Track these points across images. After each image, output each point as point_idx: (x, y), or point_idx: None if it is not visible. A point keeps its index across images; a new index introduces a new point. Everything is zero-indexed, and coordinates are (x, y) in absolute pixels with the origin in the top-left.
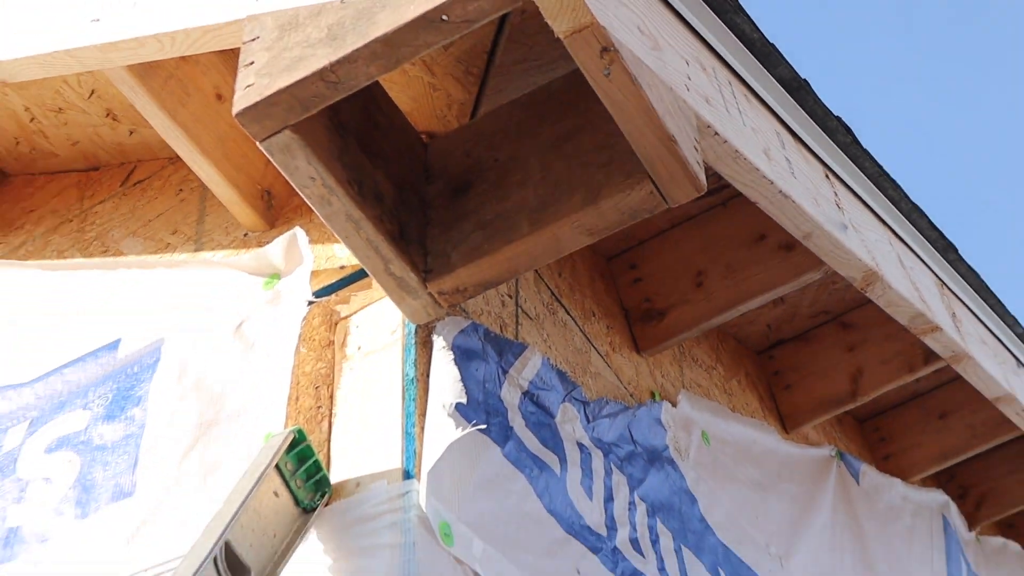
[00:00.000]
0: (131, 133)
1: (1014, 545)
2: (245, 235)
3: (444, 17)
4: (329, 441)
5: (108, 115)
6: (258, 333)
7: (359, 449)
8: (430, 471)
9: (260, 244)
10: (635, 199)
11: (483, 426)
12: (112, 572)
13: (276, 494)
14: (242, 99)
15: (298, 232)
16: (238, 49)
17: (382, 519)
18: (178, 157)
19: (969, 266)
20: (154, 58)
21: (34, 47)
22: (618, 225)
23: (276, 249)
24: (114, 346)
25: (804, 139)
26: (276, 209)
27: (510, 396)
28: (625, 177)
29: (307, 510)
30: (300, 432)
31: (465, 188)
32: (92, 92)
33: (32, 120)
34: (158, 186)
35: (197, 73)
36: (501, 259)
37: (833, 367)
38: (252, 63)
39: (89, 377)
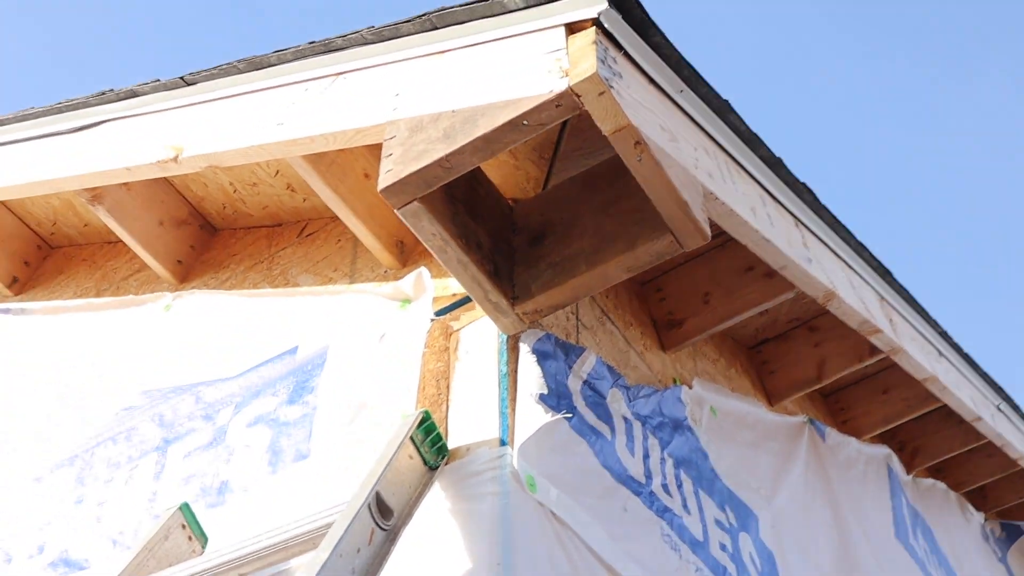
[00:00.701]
0: (304, 200)
1: (940, 484)
2: (385, 272)
3: (525, 122)
4: (446, 419)
5: (288, 187)
6: (395, 341)
7: (468, 425)
8: (521, 442)
9: (396, 279)
10: (660, 246)
11: (570, 415)
12: (294, 512)
13: (411, 457)
14: (384, 180)
15: (423, 271)
16: (380, 144)
17: (485, 475)
18: (337, 217)
19: (901, 285)
20: (321, 150)
21: (237, 143)
22: (649, 264)
23: (407, 282)
24: (293, 351)
25: (779, 199)
26: (407, 253)
27: (574, 384)
28: (653, 231)
29: (432, 468)
30: (427, 412)
31: (540, 239)
32: (277, 172)
33: (235, 191)
34: (323, 237)
35: (351, 159)
36: (566, 289)
37: (804, 358)
38: (391, 155)
39: (276, 373)
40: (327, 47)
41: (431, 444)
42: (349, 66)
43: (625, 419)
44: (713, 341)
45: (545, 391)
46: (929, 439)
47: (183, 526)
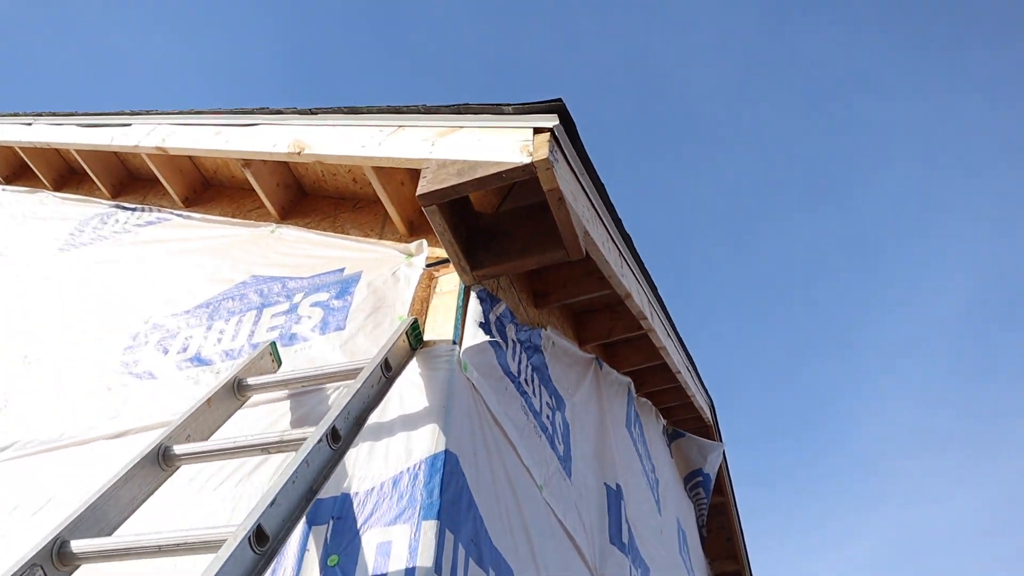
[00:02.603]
0: (360, 188)
1: (648, 402)
2: (399, 237)
3: (503, 175)
4: (424, 323)
5: (354, 181)
6: (401, 276)
7: (436, 329)
8: (465, 347)
9: (406, 243)
10: (557, 255)
11: (491, 338)
12: (333, 358)
13: (404, 340)
14: (421, 189)
15: (423, 242)
16: (417, 169)
17: (442, 358)
18: (379, 201)
19: (660, 296)
20: (384, 166)
21: (336, 152)
22: (547, 263)
23: (413, 246)
24: (341, 271)
25: (615, 240)
26: (414, 230)
27: (492, 318)
28: (554, 246)
29: (413, 349)
30: (415, 319)
31: (492, 237)
32: (349, 170)
33: (322, 176)
34: (367, 211)
35: (395, 173)
36: (501, 268)
37: (603, 325)
38: (426, 178)
39: (330, 280)
40: (396, 110)
41: (415, 336)
42: (407, 122)
43: (513, 341)
44: (560, 309)
45: (481, 320)
46: (652, 378)
47: (270, 354)
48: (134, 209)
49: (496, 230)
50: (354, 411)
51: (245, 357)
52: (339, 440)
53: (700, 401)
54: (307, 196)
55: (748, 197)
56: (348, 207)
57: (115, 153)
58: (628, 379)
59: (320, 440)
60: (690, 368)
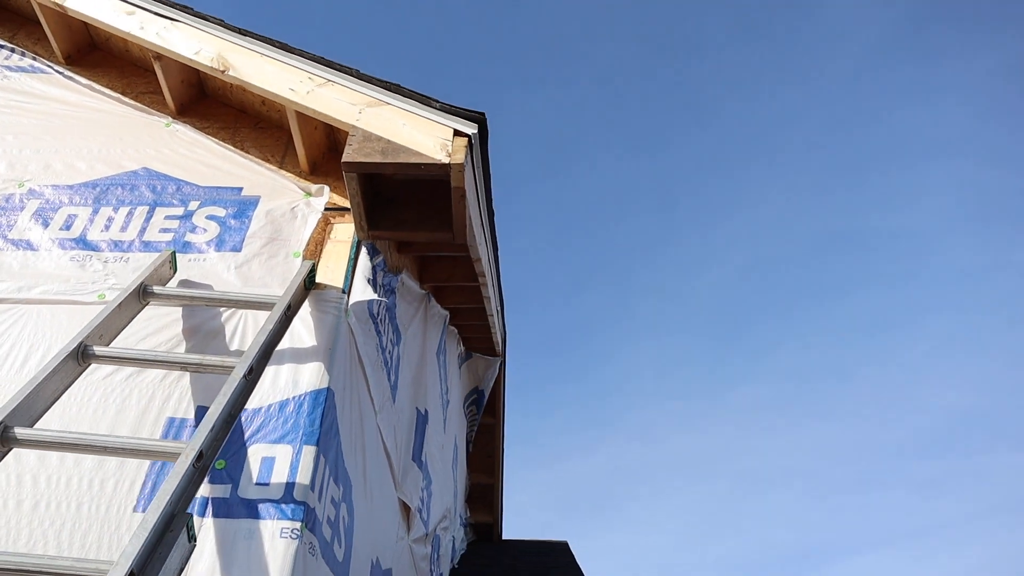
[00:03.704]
0: (267, 111)
1: (455, 329)
2: (300, 172)
3: (422, 166)
4: (318, 266)
5: (263, 103)
6: (299, 213)
7: (329, 274)
8: (354, 300)
9: (304, 179)
10: (446, 236)
11: (380, 299)
12: (226, 278)
13: (303, 283)
14: (346, 156)
15: (326, 188)
16: (332, 125)
17: (331, 302)
18: (281, 126)
19: (499, 263)
20: (306, 113)
21: (262, 83)
22: (434, 239)
23: (314, 187)
24: (239, 190)
25: (486, 231)
26: (316, 170)
27: (375, 262)
28: (445, 226)
29: (308, 289)
30: (314, 264)
31: (390, 202)
32: (263, 101)
33: (230, 85)
34: (270, 134)
35: (315, 120)
36: (395, 234)
37: (446, 270)
38: (352, 146)
39: (227, 196)
40: (328, 63)
41: (310, 278)
42: (337, 79)
43: (380, 286)
44: (414, 260)
45: (369, 276)
46: (468, 316)
47: (170, 262)
48: (2, 47)
49: (395, 197)
50: (264, 347)
51: (148, 263)
52: (252, 372)
53: (498, 336)
54: (206, 98)
55: (574, 134)
56: (249, 123)
57: None
58: (447, 313)
59: (243, 375)
60: (500, 311)
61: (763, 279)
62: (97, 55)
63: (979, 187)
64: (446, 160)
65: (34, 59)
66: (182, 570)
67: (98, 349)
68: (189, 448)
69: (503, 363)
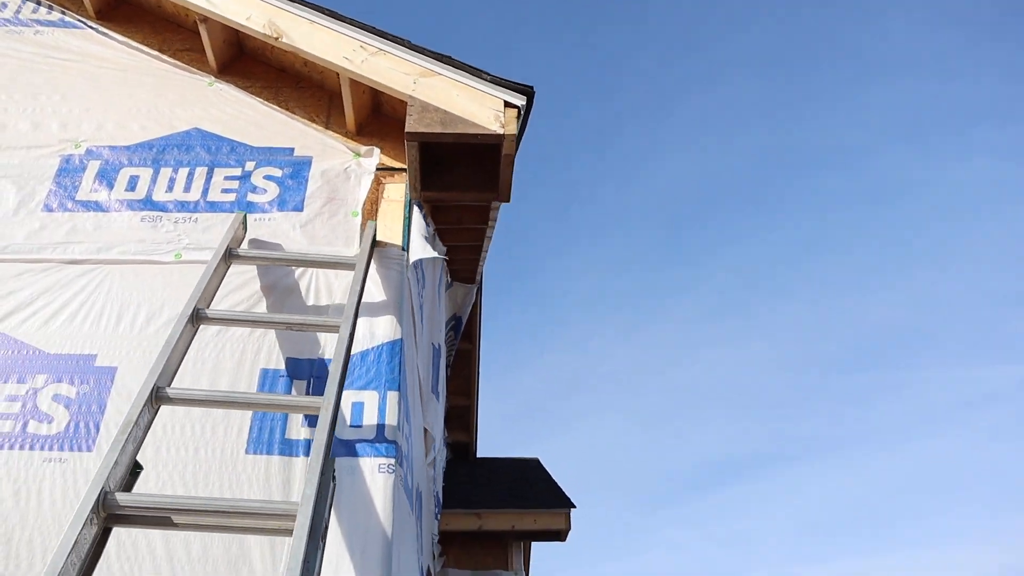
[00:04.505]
0: (308, 72)
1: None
2: (346, 132)
3: (477, 136)
4: (376, 225)
5: (304, 64)
6: (351, 174)
7: (386, 232)
8: (414, 258)
9: (354, 141)
10: (492, 196)
11: (438, 256)
12: (285, 239)
13: (374, 240)
14: (408, 127)
15: (377, 150)
16: (379, 91)
17: (394, 260)
18: (322, 86)
19: None
20: (360, 81)
21: (317, 52)
22: (484, 201)
23: (364, 149)
24: (291, 151)
25: None
26: (362, 131)
27: (427, 226)
28: (492, 189)
29: (373, 247)
30: (376, 227)
31: (439, 164)
32: (306, 63)
33: (271, 45)
34: (312, 94)
35: (363, 85)
36: (445, 195)
37: (457, 215)
38: (411, 116)
39: (280, 157)
40: (380, 32)
41: (374, 239)
42: (389, 48)
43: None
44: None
45: (425, 234)
46: (465, 254)
47: (242, 223)
48: None
49: (444, 160)
50: (357, 306)
51: (216, 223)
52: (353, 329)
53: (483, 267)
54: (244, 56)
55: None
56: (290, 83)
57: None
58: (445, 249)
59: (350, 333)
60: (487, 251)
61: (707, 190)
62: (126, 9)
63: (918, 103)
64: (500, 131)
65: (63, 13)
66: (332, 505)
67: (210, 312)
68: (326, 401)
69: (480, 290)
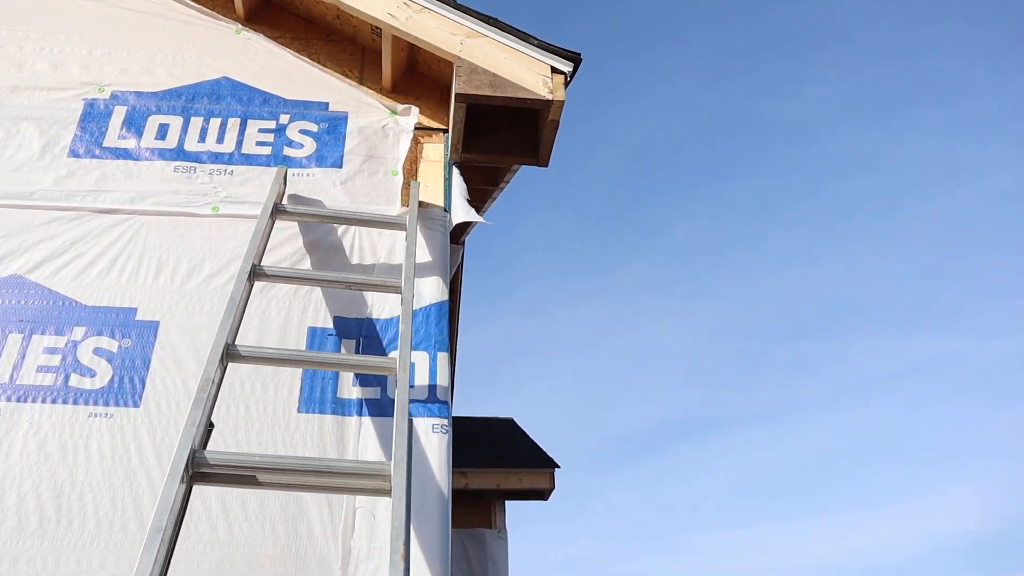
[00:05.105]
0: (340, 24)
1: None
2: (380, 89)
3: (526, 100)
4: (418, 184)
5: (337, 17)
6: (389, 132)
7: (429, 193)
8: (457, 221)
9: (390, 99)
10: (531, 160)
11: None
12: (326, 195)
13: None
14: (458, 89)
15: (415, 108)
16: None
17: (437, 220)
18: (354, 40)
19: None
20: (403, 39)
21: (360, 5)
22: (520, 163)
23: (401, 107)
24: (325, 106)
25: None
26: (397, 88)
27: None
28: (531, 152)
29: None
30: (417, 182)
31: (479, 126)
32: (339, 13)
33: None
34: (343, 48)
35: (403, 42)
36: (484, 157)
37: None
38: (460, 77)
39: (314, 112)
40: None
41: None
42: (433, 6)
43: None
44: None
45: (467, 196)
46: None
47: (283, 178)
48: None
49: (484, 122)
50: (413, 267)
51: (253, 176)
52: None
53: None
54: (271, 5)
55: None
56: (320, 35)
57: None
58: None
59: (412, 296)
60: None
61: (656, 161)
62: None
63: (863, 80)
64: (549, 97)
65: None
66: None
67: (267, 268)
68: (401, 362)
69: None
